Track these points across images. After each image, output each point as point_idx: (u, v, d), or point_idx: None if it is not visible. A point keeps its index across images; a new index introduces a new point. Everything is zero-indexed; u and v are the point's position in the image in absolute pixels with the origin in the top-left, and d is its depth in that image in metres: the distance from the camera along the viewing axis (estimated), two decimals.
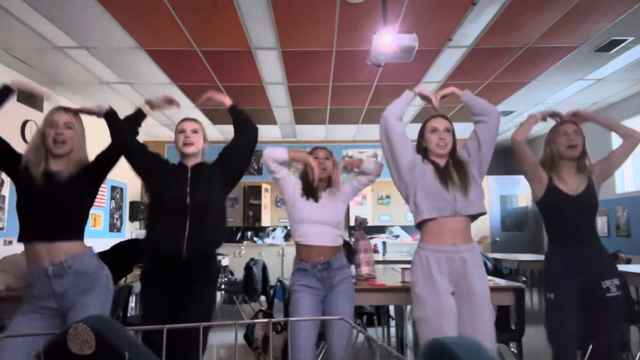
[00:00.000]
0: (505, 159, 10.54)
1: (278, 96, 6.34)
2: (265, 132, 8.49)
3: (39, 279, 2.00)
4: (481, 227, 9.03)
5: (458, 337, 0.72)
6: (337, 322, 2.39)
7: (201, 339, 1.08)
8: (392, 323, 4.44)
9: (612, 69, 5.40)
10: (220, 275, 6.64)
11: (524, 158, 2.52)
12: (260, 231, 8.89)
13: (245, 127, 2.67)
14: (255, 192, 8.78)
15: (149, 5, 3.83)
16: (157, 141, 9.02)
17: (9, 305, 2.39)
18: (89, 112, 2.38)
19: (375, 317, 3.96)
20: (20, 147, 2.21)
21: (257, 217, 8.76)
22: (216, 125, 7.88)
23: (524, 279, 3.26)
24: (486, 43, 4.63)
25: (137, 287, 3.85)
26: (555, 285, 2.32)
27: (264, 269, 5.88)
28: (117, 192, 7.85)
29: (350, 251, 3.33)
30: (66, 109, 2.25)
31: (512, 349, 3.04)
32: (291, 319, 1.77)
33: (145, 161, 2.49)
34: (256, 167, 9.17)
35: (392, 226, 8.81)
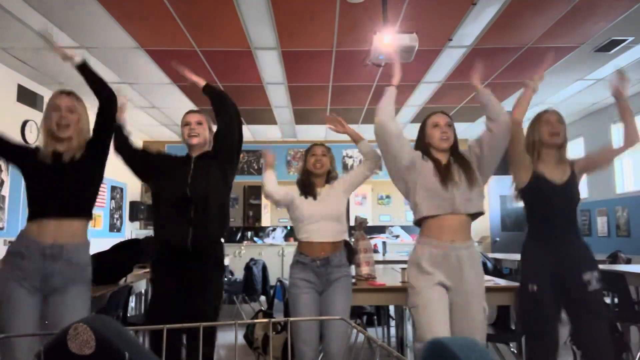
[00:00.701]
0: (505, 159, 10.53)
1: (278, 96, 6.34)
2: (265, 132, 8.49)
3: (32, 254, 2.01)
4: (481, 227, 9.03)
5: (458, 337, 0.73)
6: (335, 320, 2.40)
7: (200, 335, 1.08)
8: (392, 323, 4.44)
9: (612, 69, 5.39)
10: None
11: (519, 141, 2.45)
12: (260, 231, 8.89)
13: (222, 107, 2.68)
14: (255, 192, 8.79)
15: (149, 5, 3.83)
16: (157, 141, 9.02)
17: None
18: (64, 55, 2.39)
19: (375, 317, 3.96)
20: None
21: (257, 217, 8.77)
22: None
23: None
24: (486, 43, 4.63)
25: (137, 287, 3.85)
26: (536, 277, 2.29)
27: (264, 269, 5.89)
28: (117, 192, 7.85)
29: (350, 251, 3.33)
30: (69, 93, 2.31)
31: (512, 349, 3.04)
32: (291, 319, 1.76)
33: (148, 164, 2.52)
34: (256, 167, 9.17)
35: (392, 226, 8.81)
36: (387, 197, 8.96)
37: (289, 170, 9.15)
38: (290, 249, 8.12)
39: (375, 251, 6.87)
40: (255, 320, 2.45)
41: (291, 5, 3.88)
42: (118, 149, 2.54)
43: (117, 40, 4.48)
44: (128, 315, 3.45)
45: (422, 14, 4.02)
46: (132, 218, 8.37)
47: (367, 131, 9.59)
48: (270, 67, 5.24)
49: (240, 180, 8.98)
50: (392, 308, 4.59)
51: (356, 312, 3.66)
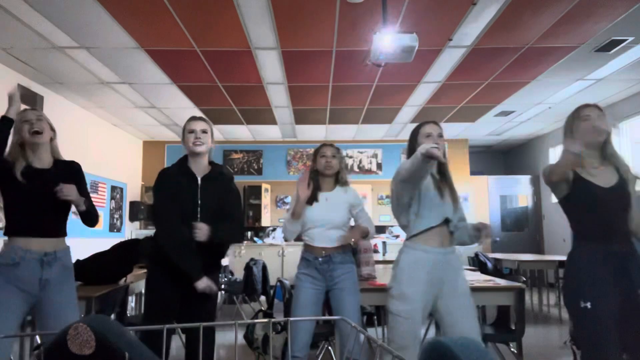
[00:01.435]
0: (505, 159, 10.55)
1: (278, 96, 6.34)
2: (265, 132, 8.50)
3: (27, 263, 2.11)
4: None
5: (458, 337, 0.72)
6: (352, 313, 2.50)
7: (202, 336, 1.07)
8: None
9: (612, 69, 5.40)
10: (220, 274, 6.65)
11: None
12: (260, 231, 8.89)
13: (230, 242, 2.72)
14: (255, 192, 8.79)
15: (149, 5, 3.84)
16: (157, 141, 9.02)
17: None
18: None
19: (375, 317, 3.96)
20: None
21: (257, 217, 8.77)
22: (216, 125, 7.88)
23: (524, 279, 3.26)
24: (486, 43, 4.63)
25: (136, 287, 3.85)
26: (591, 293, 2.00)
27: (264, 269, 5.88)
28: (117, 192, 7.85)
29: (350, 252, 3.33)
30: (32, 108, 2.38)
31: (512, 349, 3.04)
32: (291, 318, 1.77)
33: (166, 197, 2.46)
34: (256, 167, 9.17)
35: (392, 226, 8.80)
36: (387, 197, 8.96)
37: (289, 170, 9.15)
38: (290, 249, 8.13)
39: (375, 251, 6.87)
40: (255, 320, 2.45)
41: (291, 5, 3.88)
42: None
43: (117, 40, 4.48)
44: (128, 315, 3.45)
45: (422, 14, 4.02)
46: (132, 218, 8.37)
47: (367, 131, 9.57)
48: (270, 67, 5.24)
49: (240, 180, 8.98)
50: None
51: None
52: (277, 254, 8.20)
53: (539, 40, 4.54)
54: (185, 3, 3.81)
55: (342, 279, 2.58)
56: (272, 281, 5.76)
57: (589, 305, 1.98)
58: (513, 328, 3.05)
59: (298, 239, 2.72)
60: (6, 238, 2.18)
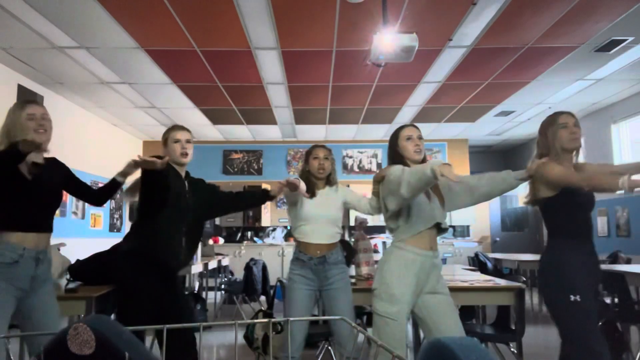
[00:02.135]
0: (505, 159, 10.54)
1: (278, 96, 6.34)
2: (265, 132, 8.50)
3: (25, 260, 2.12)
4: (481, 227, 9.04)
5: (458, 337, 0.73)
6: (346, 312, 2.53)
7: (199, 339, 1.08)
8: None
9: (612, 69, 5.40)
10: (220, 275, 6.66)
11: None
12: (260, 231, 8.89)
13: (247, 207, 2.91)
14: None
15: (149, 5, 3.84)
16: (157, 141, 9.01)
17: None
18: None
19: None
20: None
21: (257, 217, 8.76)
22: (216, 125, 7.88)
23: (524, 279, 3.26)
24: (486, 43, 4.63)
25: None
26: (581, 287, 2.11)
27: (264, 269, 5.88)
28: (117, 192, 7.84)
29: (350, 251, 3.34)
30: (35, 101, 2.38)
31: (512, 349, 3.04)
32: (291, 318, 1.77)
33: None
34: (256, 167, 9.17)
35: None
36: None
37: (289, 170, 9.15)
38: (290, 249, 8.10)
39: (375, 251, 6.87)
40: (255, 320, 2.45)
41: (291, 5, 3.88)
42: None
43: (117, 40, 4.48)
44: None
45: (422, 14, 4.02)
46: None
47: (367, 131, 9.57)
48: (270, 67, 5.24)
49: (240, 180, 8.98)
50: None
51: (356, 312, 3.65)
52: (277, 254, 8.20)
53: (539, 40, 4.54)
54: (185, 3, 3.81)
55: (337, 279, 2.62)
56: (272, 281, 5.76)
57: (578, 298, 2.09)
58: (513, 328, 3.05)
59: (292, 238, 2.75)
60: None
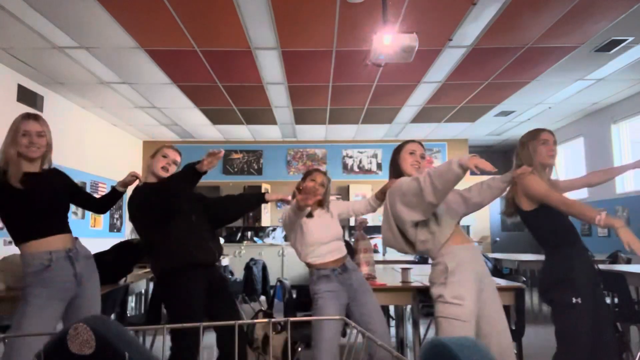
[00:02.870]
0: (505, 159, 10.54)
1: (278, 96, 6.34)
2: (266, 132, 8.50)
3: (58, 262, 2.13)
4: (481, 227, 9.04)
5: (458, 337, 0.72)
6: (377, 313, 2.54)
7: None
8: (392, 323, 4.44)
9: (612, 69, 5.40)
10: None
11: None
12: (260, 231, 8.89)
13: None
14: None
15: (149, 5, 3.84)
16: (157, 141, 9.01)
17: (9, 305, 2.39)
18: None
19: None
20: None
21: (257, 217, 8.76)
22: (216, 125, 7.88)
23: (524, 279, 3.26)
24: (486, 43, 4.63)
25: (136, 287, 3.85)
26: (584, 290, 2.19)
27: (264, 269, 5.88)
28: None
29: (350, 251, 3.33)
30: (36, 117, 2.30)
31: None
32: (291, 318, 1.77)
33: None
34: (256, 167, 9.17)
35: None
36: None
37: (289, 170, 9.15)
38: (291, 249, 8.10)
39: (375, 251, 6.87)
40: (255, 320, 2.45)
41: (291, 6, 3.88)
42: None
43: (117, 40, 4.48)
44: (128, 315, 3.45)
45: (422, 14, 4.02)
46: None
47: (367, 131, 9.56)
48: (270, 67, 5.24)
49: (240, 180, 8.99)
50: (392, 308, 4.59)
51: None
52: (277, 254, 8.20)
53: (539, 40, 4.54)
54: (185, 3, 3.81)
55: (360, 283, 2.63)
56: (272, 281, 5.76)
57: (579, 300, 2.17)
58: (513, 328, 3.05)
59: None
60: (13, 247, 2.18)
